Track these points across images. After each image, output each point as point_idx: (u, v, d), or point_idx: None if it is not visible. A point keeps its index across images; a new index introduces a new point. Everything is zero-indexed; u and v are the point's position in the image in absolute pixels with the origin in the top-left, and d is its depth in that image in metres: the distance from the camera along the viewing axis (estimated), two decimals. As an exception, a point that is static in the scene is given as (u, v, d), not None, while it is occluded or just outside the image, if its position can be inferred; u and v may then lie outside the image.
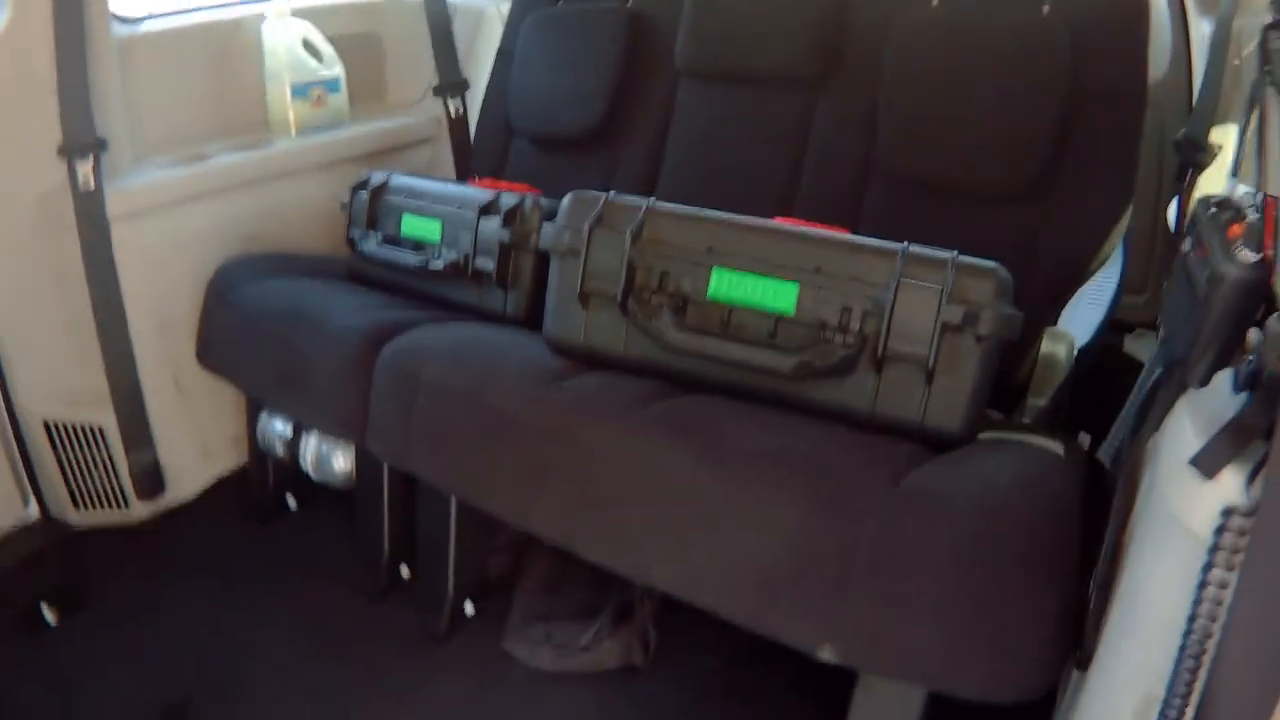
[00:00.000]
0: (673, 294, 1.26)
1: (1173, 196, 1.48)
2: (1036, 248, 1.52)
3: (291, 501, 1.99)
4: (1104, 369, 1.65)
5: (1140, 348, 1.80)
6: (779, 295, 1.21)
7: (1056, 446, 1.20)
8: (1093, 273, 1.54)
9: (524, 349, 1.38)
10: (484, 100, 2.17)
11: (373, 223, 1.80)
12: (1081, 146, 1.50)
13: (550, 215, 1.50)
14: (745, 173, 1.82)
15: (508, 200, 1.59)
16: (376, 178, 1.81)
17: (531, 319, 1.54)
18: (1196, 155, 1.33)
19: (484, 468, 1.31)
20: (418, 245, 1.71)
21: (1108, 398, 1.77)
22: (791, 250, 1.22)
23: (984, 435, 1.22)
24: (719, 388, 1.25)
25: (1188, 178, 1.35)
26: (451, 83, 2.25)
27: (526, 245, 1.56)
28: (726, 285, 1.23)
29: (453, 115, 2.25)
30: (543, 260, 1.49)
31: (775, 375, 1.20)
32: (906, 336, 1.16)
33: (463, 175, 2.23)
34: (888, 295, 1.16)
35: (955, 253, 1.17)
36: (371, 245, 1.76)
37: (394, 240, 1.75)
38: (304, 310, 1.63)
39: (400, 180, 1.79)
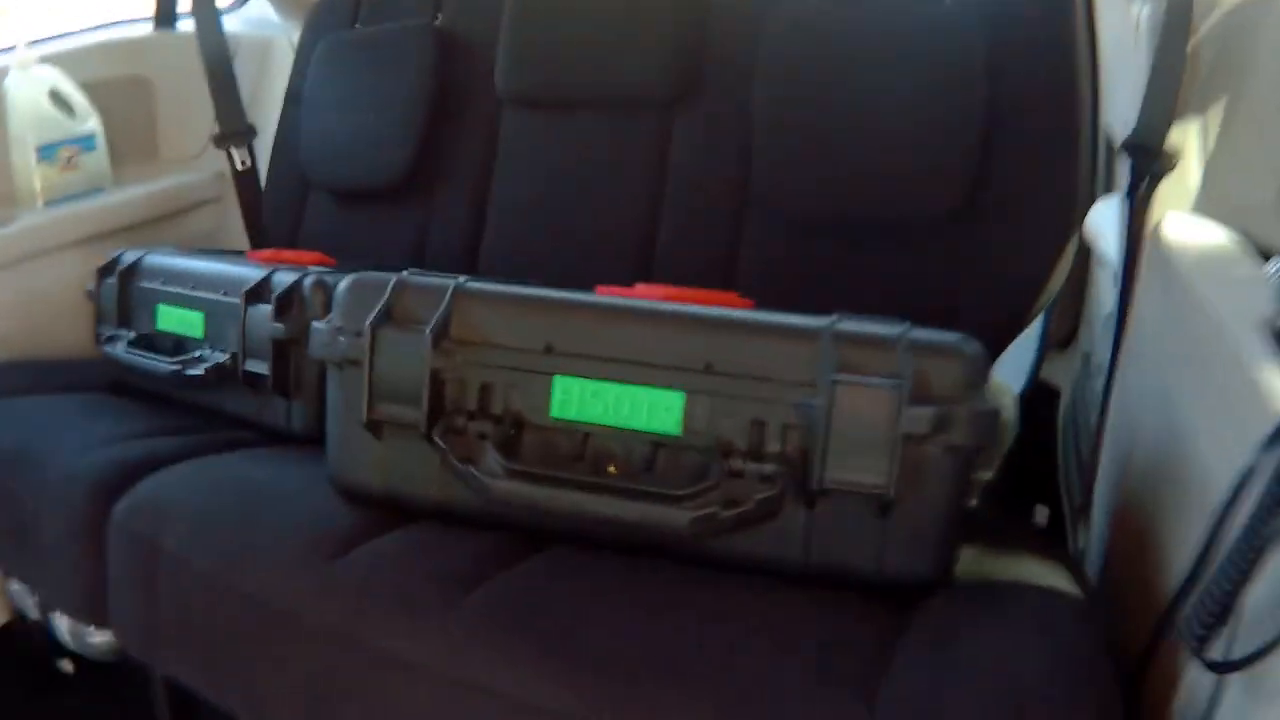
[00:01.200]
0: (499, 417, 0.89)
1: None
2: (967, 287, 1.24)
3: (66, 664, 1.57)
4: (1035, 413, 1.36)
5: (1057, 371, 1.52)
6: (656, 410, 0.86)
7: (1063, 579, 0.89)
8: (1038, 313, 1.25)
9: (302, 497, 1.00)
10: (273, 149, 1.79)
11: (125, 317, 1.40)
12: (1011, 157, 1.23)
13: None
14: (591, 223, 1.49)
15: (281, 281, 1.20)
16: (128, 257, 1.42)
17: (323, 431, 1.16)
18: (1151, 162, 1.05)
19: (246, 680, 0.93)
20: (178, 344, 1.32)
21: (1048, 450, 1.50)
22: (668, 341, 0.86)
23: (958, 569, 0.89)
24: (579, 538, 0.89)
25: (1140, 188, 1.07)
26: (235, 130, 1.85)
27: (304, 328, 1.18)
28: (577, 400, 0.87)
29: (239, 169, 1.85)
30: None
31: (662, 532, 0.85)
32: (851, 458, 0.81)
33: (257, 242, 1.83)
34: (817, 400, 0.82)
35: (906, 326, 0.85)
36: (120, 347, 1.35)
37: (148, 339, 1.36)
38: (30, 447, 1.22)
39: (156, 260, 1.40)
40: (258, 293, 1.21)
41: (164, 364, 1.28)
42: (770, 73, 1.37)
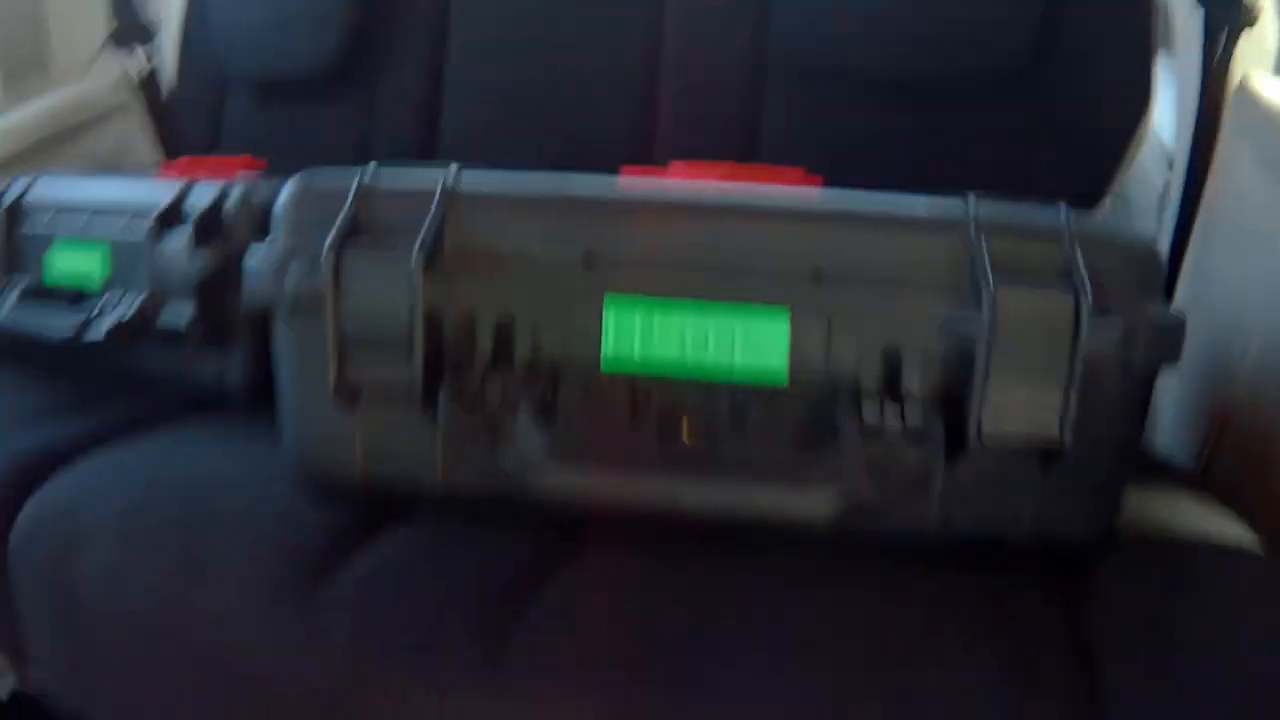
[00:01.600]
0: (529, 368, 0.62)
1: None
2: (1039, 155, 1.03)
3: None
4: None
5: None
6: (751, 340, 0.59)
7: (1234, 527, 0.68)
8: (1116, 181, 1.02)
9: (258, 494, 0.72)
10: (181, 41, 1.45)
11: (13, 263, 1.09)
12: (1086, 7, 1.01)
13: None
14: (575, 101, 1.22)
15: (201, 197, 0.90)
16: (14, 189, 1.10)
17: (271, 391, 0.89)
18: (1229, 13, 0.87)
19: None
20: (77, 296, 1.01)
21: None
22: (760, 239, 0.59)
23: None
24: (648, 531, 0.63)
25: (1220, 44, 0.89)
26: (133, 24, 1.50)
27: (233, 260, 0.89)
28: (639, 333, 0.60)
29: (140, 72, 1.51)
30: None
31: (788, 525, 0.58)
32: (1018, 395, 0.56)
33: (172, 154, 1.51)
34: (972, 315, 0.55)
35: (1063, 207, 0.58)
36: (6, 305, 1.05)
37: (40, 290, 1.05)
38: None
39: (46, 189, 1.08)
40: (169, 217, 0.91)
41: (55, 324, 0.97)
42: None
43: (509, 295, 0.61)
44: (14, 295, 1.05)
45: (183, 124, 1.46)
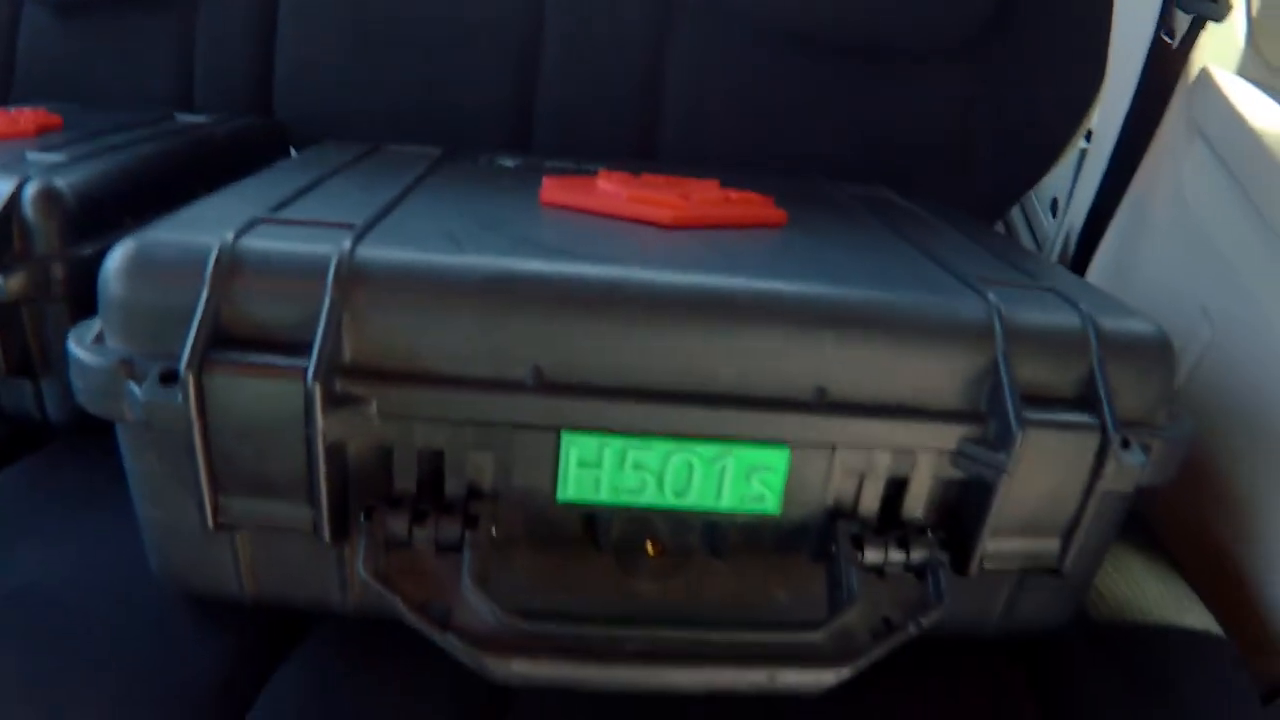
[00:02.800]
0: (464, 509, 0.50)
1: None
2: (982, 129, 0.97)
3: None
4: None
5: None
6: (748, 478, 0.50)
7: (1204, 617, 0.65)
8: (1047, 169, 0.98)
9: (120, 604, 0.60)
10: None
11: None
12: None
13: (88, 204, 0.72)
14: (438, 28, 1.05)
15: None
16: None
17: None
18: (1204, 2, 0.80)
19: None
20: None
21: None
22: (760, 347, 0.48)
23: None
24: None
25: (1179, 36, 0.82)
26: None
27: (50, 287, 0.71)
28: (608, 477, 0.49)
29: None
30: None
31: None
32: (1025, 524, 0.51)
33: None
34: (991, 454, 0.48)
35: (1082, 304, 0.52)
36: None
37: None
38: None
39: None
40: None
41: None
42: None
43: (434, 424, 0.49)
44: None
45: None
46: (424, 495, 0.50)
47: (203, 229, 0.51)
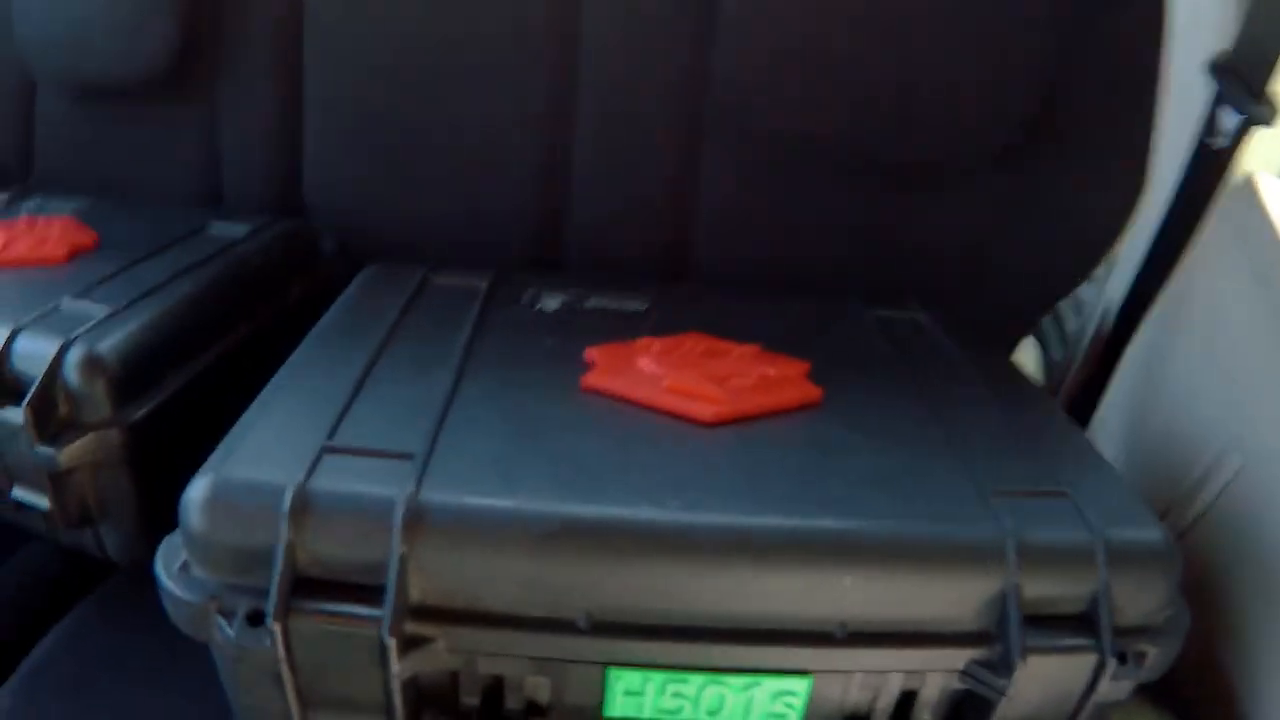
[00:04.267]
0: (526, 716, 0.58)
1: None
2: (1010, 243, 0.97)
3: None
4: None
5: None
6: (774, 703, 0.56)
7: None
8: (1086, 276, 0.98)
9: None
10: None
11: None
12: (1087, 77, 0.91)
13: (134, 366, 0.76)
14: (468, 142, 1.06)
15: (29, 358, 0.74)
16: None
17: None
18: (1248, 100, 0.77)
19: None
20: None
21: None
22: (781, 594, 0.54)
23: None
24: None
25: (1223, 130, 0.80)
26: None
27: (104, 453, 0.76)
28: (651, 703, 0.56)
29: None
30: (152, 470, 0.75)
31: None
32: None
33: None
34: (994, 676, 0.54)
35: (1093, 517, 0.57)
36: None
37: None
38: None
39: None
40: None
41: None
42: None
43: (496, 657, 0.55)
44: None
45: None
46: (486, 709, 0.56)
47: (275, 464, 0.56)
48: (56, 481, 0.74)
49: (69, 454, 0.73)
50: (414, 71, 1.03)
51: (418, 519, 0.53)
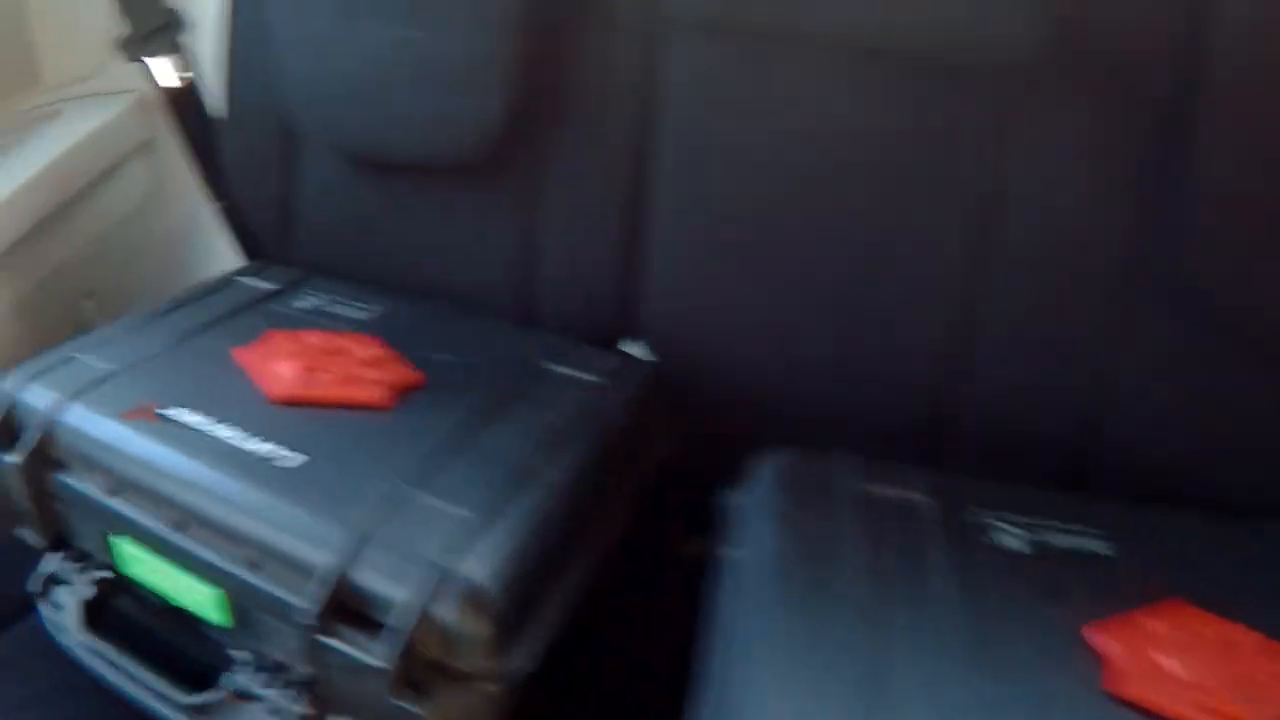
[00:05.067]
0: None
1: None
2: None
3: None
4: None
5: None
6: None
7: None
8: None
9: None
10: (230, 61, 1.01)
11: (52, 527, 0.74)
12: None
13: (518, 598, 0.58)
14: (845, 261, 0.82)
15: (382, 578, 0.57)
16: (33, 398, 0.71)
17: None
18: None
19: None
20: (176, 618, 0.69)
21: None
22: None
23: None
24: None
25: None
26: (152, 27, 1.07)
27: (480, 711, 0.57)
28: None
29: (174, 88, 1.09)
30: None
31: None
32: None
33: (242, 238, 1.11)
34: None
35: None
36: (71, 619, 0.73)
37: (116, 581, 0.73)
38: None
39: (80, 419, 0.69)
40: (340, 608, 0.58)
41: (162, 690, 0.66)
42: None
43: None
44: (79, 598, 0.73)
45: (237, 174, 1.05)
46: None
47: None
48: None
49: (437, 710, 0.54)
50: (798, 182, 0.81)
51: None
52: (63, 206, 1.06)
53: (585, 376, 0.79)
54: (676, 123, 0.83)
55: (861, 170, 0.78)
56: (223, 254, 1.14)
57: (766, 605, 0.57)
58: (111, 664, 0.70)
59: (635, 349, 0.91)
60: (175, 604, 0.68)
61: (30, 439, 0.69)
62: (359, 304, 0.88)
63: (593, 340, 0.87)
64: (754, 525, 0.65)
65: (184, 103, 1.09)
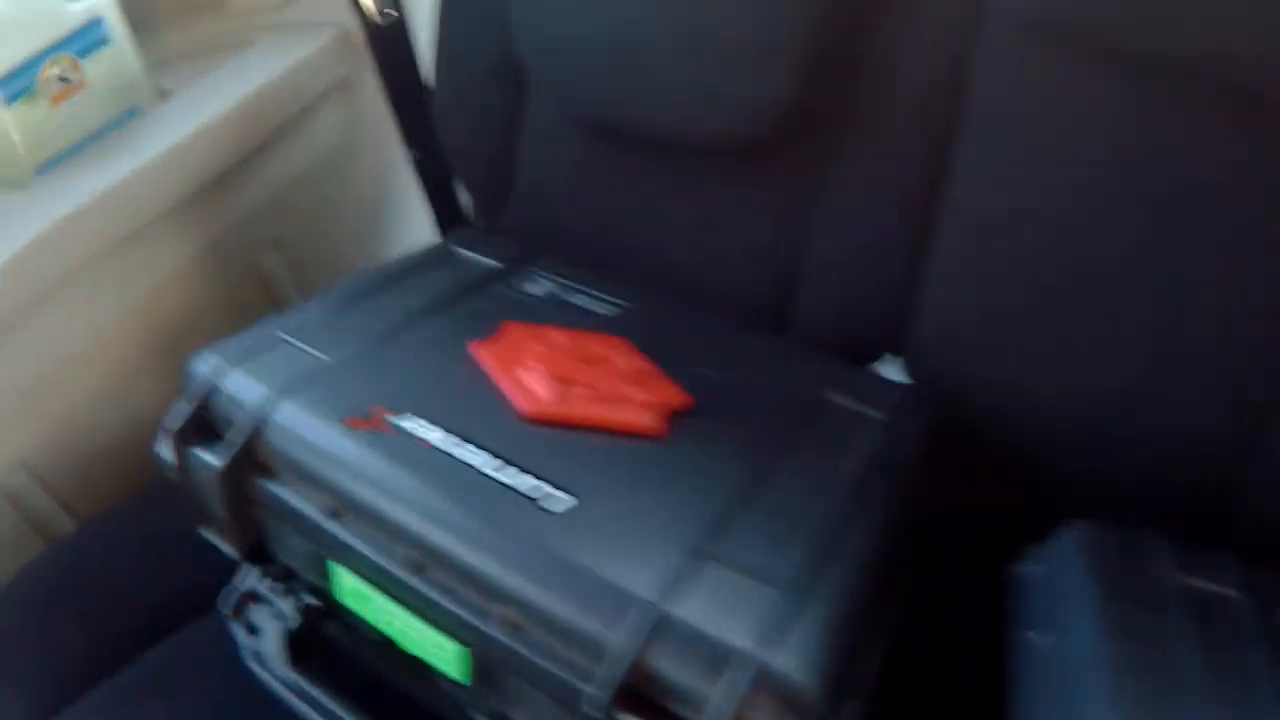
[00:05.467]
0: None
1: None
2: None
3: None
4: None
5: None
6: None
7: None
8: None
9: None
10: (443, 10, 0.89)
11: (245, 530, 0.64)
12: None
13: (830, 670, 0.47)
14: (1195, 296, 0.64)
15: (680, 665, 0.46)
16: (238, 390, 0.60)
17: None
18: None
19: None
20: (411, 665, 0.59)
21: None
22: None
23: None
24: None
25: None
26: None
27: None
28: None
29: (377, 23, 0.96)
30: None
31: None
32: None
33: (438, 194, 1.00)
34: None
35: None
36: (264, 617, 0.63)
37: (329, 609, 0.63)
38: None
39: (291, 419, 0.58)
40: (632, 695, 0.47)
41: None
42: None
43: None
44: (284, 627, 0.63)
45: (451, 127, 0.93)
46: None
47: None
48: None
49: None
50: (1124, 213, 0.65)
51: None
52: (253, 149, 0.96)
53: (870, 412, 0.64)
54: (985, 133, 0.68)
55: (1206, 220, 0.62)
56: (418, 210, 1.03)
57: (1101, 715, 0.45)
58: (320, 707, 0.60)
59: (890, 369, 0.78)
60: (401, 648, 0.57)
61: (235, 440, 0.58)
62: (597, 295, 0.75)
63: (844, 353, 0.73)
64: (1067, 610, 0.52)
65: (389, 39, 0.97)
